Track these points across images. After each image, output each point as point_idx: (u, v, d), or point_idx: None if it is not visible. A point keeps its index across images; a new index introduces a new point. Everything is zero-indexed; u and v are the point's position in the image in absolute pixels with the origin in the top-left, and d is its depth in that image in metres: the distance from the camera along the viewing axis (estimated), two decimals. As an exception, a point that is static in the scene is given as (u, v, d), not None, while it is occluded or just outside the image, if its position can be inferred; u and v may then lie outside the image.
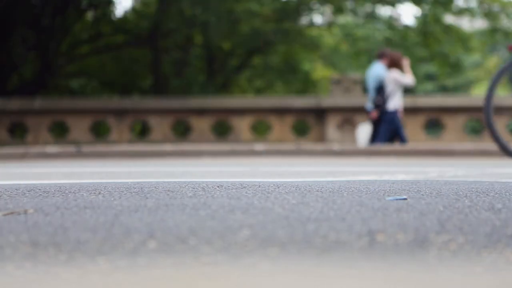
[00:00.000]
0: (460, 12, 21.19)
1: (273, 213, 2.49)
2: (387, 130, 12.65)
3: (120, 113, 16.23)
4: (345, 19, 25.67)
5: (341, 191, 3.22)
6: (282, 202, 2.79)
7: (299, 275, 1.76)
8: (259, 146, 12.67)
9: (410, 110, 15.17)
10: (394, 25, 22.71)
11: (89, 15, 21.94)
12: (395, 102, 12.60)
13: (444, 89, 37.90)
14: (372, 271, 1.80)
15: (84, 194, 3.15)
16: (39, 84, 19.59)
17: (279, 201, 2.84)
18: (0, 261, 1.91)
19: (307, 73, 26.18)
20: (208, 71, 23.00)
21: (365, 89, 14.87)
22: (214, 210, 2.58)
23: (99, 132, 17.17)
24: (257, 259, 1.91)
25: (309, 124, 16.35)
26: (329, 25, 23.62)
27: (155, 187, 3.38)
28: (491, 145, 12.42)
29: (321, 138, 15.92)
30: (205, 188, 3.33)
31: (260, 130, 17.32)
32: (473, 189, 3.29)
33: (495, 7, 20.91)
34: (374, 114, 12.68)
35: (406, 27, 22.73)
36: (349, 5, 21.41)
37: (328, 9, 23.16)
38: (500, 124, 15.77)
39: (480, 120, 16.09)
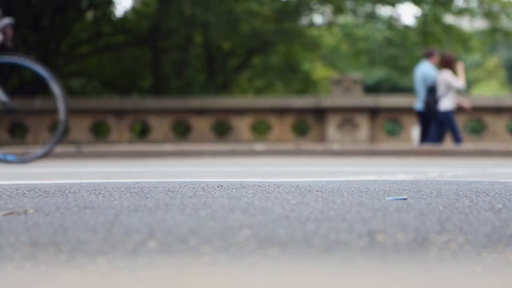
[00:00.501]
0: (460, 12, 21.19)
1: (273, 213, 2.49)
2: (438, 131, 12.55)
3: (120, 113, 16.23)
4: (345, 19, 25.67)
5: (341, 191, 3.22)
6: (282, 202, 2.79)
7: (299, 275, 1.76)
8: (259, 146, 12.67)
9: (410, 110, 15.16)
10: (394, 25, 22.71)
11: (89, 15, 21.93)
12: (447, 103, 12.48)
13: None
14: (372, 271, 1.80)
15: (84, 194, 3.15)
16: (39, 84, 19.58)
17: (279, 201, 2.84)
18: (0, 261, 1.91)
19: (307, 73, 26.19)
20: (208, 71, 23.00)
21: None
22: (214, 210, 2.58)
23: (99, 132, 17.17)
24: (257, 259, 1.91)
25: (309, 124, 16.35)
26: (329, 25, 23.62)
27: (155, 187, 3.38)
28: (491, 145, 12.42)
29: (321, 138, 15.92)
30: (205, 188, 3.33)
31: (260, 130, 17.32)
32: (473, 189, 3.29)
33: (495, 7, 20.91)
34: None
35: (406, 27, 22.73)
36: (349, 5, 21.40)
37: (328, 9, 23.16)
38: (500, 124, 15.77)
39: (480, 120, 16.09)
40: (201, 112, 16.22)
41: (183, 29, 20.79)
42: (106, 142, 15.85)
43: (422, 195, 3.08)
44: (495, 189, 3.33)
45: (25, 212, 2.62)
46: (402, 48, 22.39)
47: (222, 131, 16.84)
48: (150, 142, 15.62)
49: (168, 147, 12.98)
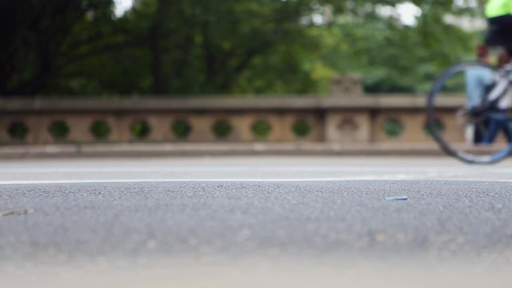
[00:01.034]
0: (460, 12, 21.20)
1: (273, 213, 2.49)
2: (496, 130, 12.41)
3: (120, 113, 16.23)
4: (345, 19, 25.69)
5: (341, 191, 3.22)
6: (282, 202, 2.79)
7: (299, 275, 1.76)
8: (259, 146, 12.66)
9: (410, 110, 15.17)
10: (394, 25, 22.72)
11: (89, 15, 21.93)
12: (505, 102, 12.33)
13: (444, 89, 37.90)
14: (372, 271, 1.80)
15: (84, 194, 3.15)
16: (39, 84, 19.59)
17: (279, 201, 2.84)
18: (0, 261, 1.91)
19: (307, 73, 26.19)
20: (208, 71, 23.00)
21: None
22: (214, 210, 2.58)
23: (99, 132, 17.17)
24: (257, 259, 1.91)
25: (309, 124, 16.35)
26: (329, 25, 23.63)
27: (155, 187, 3.38)
28: (491, 145, 12.40)
29: (321, 138, 15.92)
30: (205, 188, 3.33)
31: (260, 130, 17.32)
32: (473, 189, 3.29)
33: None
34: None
35: (406, 27, 22.75)
36: (349, 5, 21.41)
37: (328, 9, 23.17)
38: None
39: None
40: (201, 112, 16.21)
41: (183, 29, 20.80)
42: (106, 142, 15.85)
43: (422, 195, 3.08)
44: (495, 189, 3.33)
45: (25, 212, 2.62)
46: (402, 48, 22.41)
47: (222, 131, 16.84)
48: (150, 142, 15.62)
49: (168, 147, 12.98)
